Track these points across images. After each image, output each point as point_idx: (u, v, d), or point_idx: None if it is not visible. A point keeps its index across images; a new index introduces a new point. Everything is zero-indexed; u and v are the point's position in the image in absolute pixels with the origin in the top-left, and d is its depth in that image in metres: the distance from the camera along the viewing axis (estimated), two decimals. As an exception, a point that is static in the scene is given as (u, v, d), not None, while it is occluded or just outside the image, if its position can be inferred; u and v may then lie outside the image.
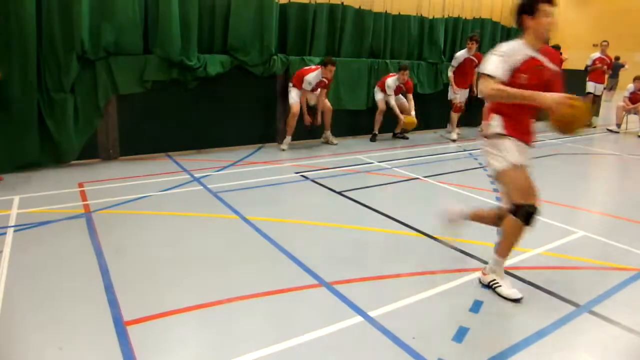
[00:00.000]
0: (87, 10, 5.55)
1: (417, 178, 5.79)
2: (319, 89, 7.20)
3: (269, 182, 5.34)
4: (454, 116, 8.67)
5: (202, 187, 5.01)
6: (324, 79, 7.07)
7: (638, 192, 5.96)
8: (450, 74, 8.56)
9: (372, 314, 2.71)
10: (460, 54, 8.37)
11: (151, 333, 2.48)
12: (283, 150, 7.02)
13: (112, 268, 3.16)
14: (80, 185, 5.00)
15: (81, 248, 3.47)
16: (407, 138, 8.51)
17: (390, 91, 7.92)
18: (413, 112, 8.15)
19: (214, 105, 6.70)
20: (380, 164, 6.44)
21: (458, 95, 8.57)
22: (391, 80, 7.90)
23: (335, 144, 7.67)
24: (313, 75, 6.95)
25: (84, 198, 4.58)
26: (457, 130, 8.70)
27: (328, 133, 7.74)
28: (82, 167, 5.72)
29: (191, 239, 3.75)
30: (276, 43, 7.12)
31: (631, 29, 24.65)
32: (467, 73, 8.54)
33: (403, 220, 4.28)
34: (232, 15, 6.68)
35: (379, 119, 8.15)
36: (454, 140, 8.51)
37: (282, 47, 7.49)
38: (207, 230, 3.95)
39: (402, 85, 8.03)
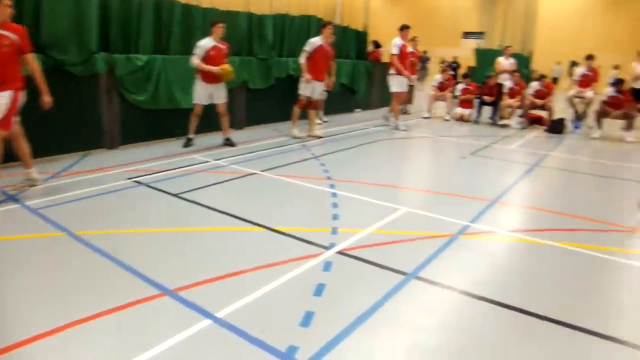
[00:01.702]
0: None
1: (255, 173, 5.86)
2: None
3: (98, 192, 4.91)
4: (296, 111, 8.23)
5: (19, 206, 4.44)
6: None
7: (450, 169, 6.84)
8: (302, 60, 7.98)
9: (219, 314, 2.70)
10: (315, 40, 7.97)
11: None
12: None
13: None
14: None
15: None
16: (234, 145, 7.50)
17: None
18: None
19: (27, 110, 5.97)
20: (217, 161, 6.38)
21: (309, 88, 7.99)
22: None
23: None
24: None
25: None
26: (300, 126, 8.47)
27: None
28: None
29: (12, 268, 3.30)
30: (97, 40, 6.57)
31: (436, 26, 28.07)
32: (322, 64, 8.05)
33: (242, 216, 4.30)
34: (45, 9, 5.97)
35: (194, 121, 7.20)
36: (297, 137, 8.21)
37: (105, 44, 6.94)
38: (30, 255, 3.51)
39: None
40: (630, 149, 9.16)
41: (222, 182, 5.53)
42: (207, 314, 2.69)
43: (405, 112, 11.96)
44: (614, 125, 10.34)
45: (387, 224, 4.24)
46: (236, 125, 8.53)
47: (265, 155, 6.91)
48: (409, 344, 2.56)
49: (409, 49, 9.82)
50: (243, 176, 5.73)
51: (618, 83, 10.10)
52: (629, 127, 9.93)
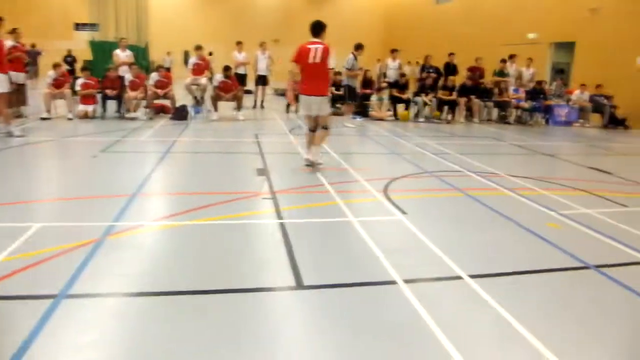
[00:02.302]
0: None
1: None
2: None
3: None
4: None
5: None
6: None
7: (82, 170, 6.46)
8: None
9: None
10: None
11: None
12: None
13: None
14: None
15: None
16: None
17: None
18: None
19: None
20: None
21: None
22: None
23: None
24: None
25: None
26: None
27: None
28: None
29: None
30: None
31: (44, 17, 25.25)
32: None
33: None
34: None
35: None
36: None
37: None
38: None
39: None
40: (243, 125, 10.65)
41: None
42: None
43: (19, 116, 10.48)
44: (227, 107, 11.74)
45: (20, 247, 3.74)
46: None
47: None
48: (72, 366, 2.41)
49: (8, 42, 8.61)
50: None
51: (227, 69, 11.44)
52: (239, 107, 11.47)
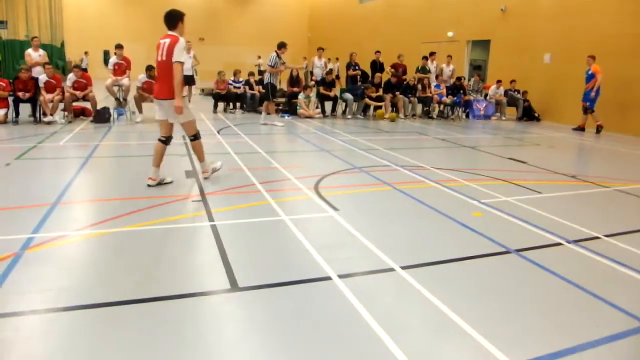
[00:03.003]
0: None
1: None
2: None
3: None
4: None
5: None
6: None
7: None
8: None
9: None
10: None
11: None
12: None
13: None
14: None
15: None
16: None
17: None
18: None
19: None
20: None
21: None
22: None
23: None
24: None
25: None
26: None
27: None
28: None
29: None
30: None
31: None
32: None
33: None
34: None
35: None
36: None
37: None
38: None
39: None
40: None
41: None
42: None
43: None
44: (153, 108, 11.34)
45: None
46: None
47: None
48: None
49: None
50: None
51: (149, 69, 11.03)
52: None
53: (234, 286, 3.25)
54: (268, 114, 11.54)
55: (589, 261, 4.00)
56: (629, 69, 12.24)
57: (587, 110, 12.33)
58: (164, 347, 2.57)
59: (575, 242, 4.38)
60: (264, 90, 12.08)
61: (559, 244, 4.34)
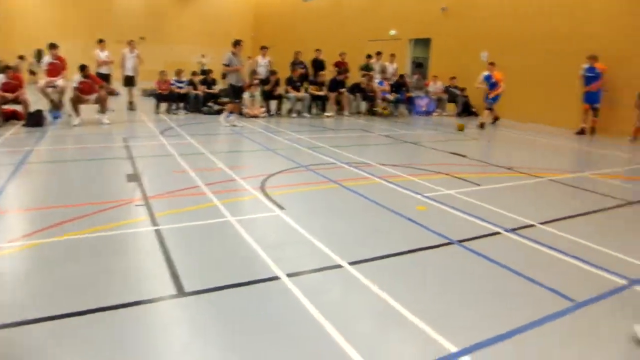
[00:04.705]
0: None
1: None
2: None
3: None
4: None
5: None
6: None
7: None
8: None
9: None
10: None
11: None
12: None
13: None
14: None
15: None
16: None
17: None
18: None
19: None
20: None
21: None
22: None
23: None
24: None
25: None
26: None
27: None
28: None
29: None
30: None
31: None
32: None
33: None
34: None
35: None
36: None
37: None
38: None
39: None
40: (109, 129, 9.99)
41: None
42: None
43: None
44: (91, 110, 10.93)
45: None
46: None
47: None
48: None
49: None
50: None
51: (82, 69, 10.59)
52: (103, 110, 10.73)
53: (181, 291, 3.19)
54: (231, 113, 11.33)
55: (526, 248, 4.20)
56: (552, 65, 12.92)
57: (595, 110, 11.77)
58: (111, 358, 2.49)
59: (513, 230, 4.59)
60: (209, 91, 11.86)
61: (498, 233, 4.53)
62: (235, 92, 11.38)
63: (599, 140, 11.13)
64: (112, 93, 13.78)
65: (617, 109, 11.64)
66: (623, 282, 3.59)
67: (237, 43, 10.99)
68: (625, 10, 11.59)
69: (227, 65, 11.00)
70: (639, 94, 10.78)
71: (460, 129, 11.97)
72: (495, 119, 13.37)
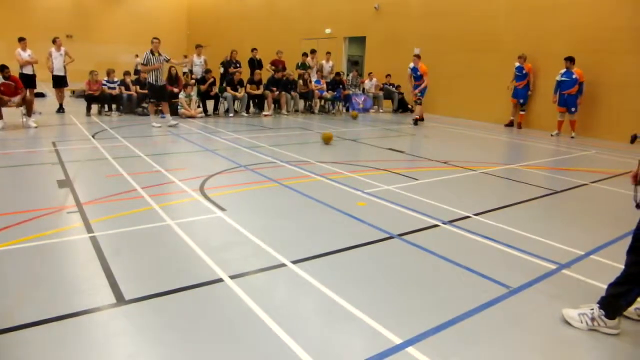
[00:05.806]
0: None
1: None
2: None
3: None
4: None
5: None
6: None
7: None
8: None
9: None
10: None
11: None
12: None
13: None
14: None
15: None
16: None
17: None
18: None
19: None
20: None
21: None
22: None
23: None
24: None
25: None
26: None
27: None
28: None
29: None
30: None
31: None
32: None
33: None
34: None
35: None
36: None
37: None
38: None
39: None
40: (37, 133, 9.46)
41: None
42: None
43: None
44: (15, 114, 10.31)
45: None
46: None
47: None
48: None
49: None
50: None
51: (2, 69, 9.96)
52: (29, 112, 10.14)
53: (121, 300, 3.08)
54: (162, 115, 10.95)
55: (462, 239, 4.38)
56: (482, 62, 13.53)
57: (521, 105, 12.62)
58: (43, 373, 2.37)
59: (450, 222, 4.78)
60: (143, 91, 11.47)
61: (436, 225, 4.70)
62: (155, 92, 11.07)
63: (527, 133, 11.78)
64: (39, 95, 13.04)
65: (543, 104, 12.37)
66: (553, 266, 3.83)
67: (152, 41, 10.68)
68: (550, 14, 12.32)
69: (144, 64, 10.70)
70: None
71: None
72: (419, 119, 13.11)
